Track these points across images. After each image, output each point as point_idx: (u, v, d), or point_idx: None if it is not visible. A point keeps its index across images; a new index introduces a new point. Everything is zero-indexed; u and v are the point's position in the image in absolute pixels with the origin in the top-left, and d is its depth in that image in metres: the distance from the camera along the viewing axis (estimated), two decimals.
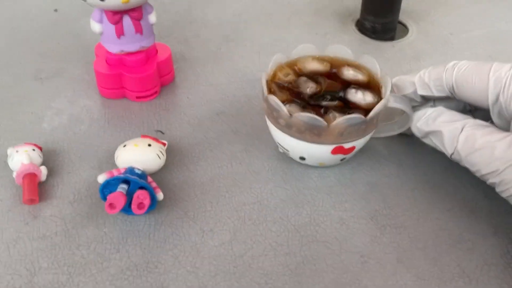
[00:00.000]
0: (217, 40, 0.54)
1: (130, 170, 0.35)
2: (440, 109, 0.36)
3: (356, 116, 0.34)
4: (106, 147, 0.41)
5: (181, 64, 0.50)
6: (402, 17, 0.57)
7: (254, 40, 0.54)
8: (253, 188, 0.38)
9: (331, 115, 0.35)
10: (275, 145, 0.40)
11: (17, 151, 0.37)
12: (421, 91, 0.37)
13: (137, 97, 0.45)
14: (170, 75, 0.47)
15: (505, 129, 0.34)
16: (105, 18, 0.41)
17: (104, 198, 0.34)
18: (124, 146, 0.37)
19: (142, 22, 0.42)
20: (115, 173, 0.35)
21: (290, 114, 0.35)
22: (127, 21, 0.42)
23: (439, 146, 0.35)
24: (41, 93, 0.46)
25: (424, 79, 0.37)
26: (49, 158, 0.40)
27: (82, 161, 0.40)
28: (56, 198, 0.37)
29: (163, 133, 0.42)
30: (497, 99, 0.33)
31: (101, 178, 0.35)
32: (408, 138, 0.41)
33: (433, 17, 0.58)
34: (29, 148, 0.38)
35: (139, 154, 0.36)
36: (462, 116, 0.35)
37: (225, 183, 0.38)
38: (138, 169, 0.36)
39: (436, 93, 0.36)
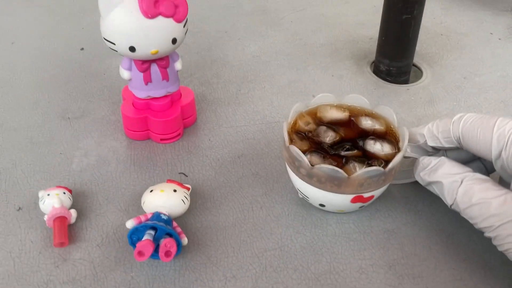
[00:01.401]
0: (237, 81, 0.56)
1: (157, 216, 0.37)
2: (442, 160, 0.37)
3: (375, 169, 0.35)
4: (132, 189, 0.42)
5: (203, 105, 0.52)
6: (416, 59, 0.59)
7: (273, 82, 0.56)
8: (273, 233, 0.39)
9: (351, 165, 0.37)
10: (294, 190, 0.42)
11: (48, 194, 0.39)
12: (431, 143, 0.39)
13: (162, 139, 0.47)
14: (193, 117, 0.49)
15: (509, 180, 0.36)
16: (134, 66, 0.43)
17: (132, 244, 0.36)
18: (151, 191, 0.39)
19: (168, 70, 0.44)
20: (143, 218, 0.37)
21: (312, 165, 0.36)
22: (154, 69, 0.44)
23: (441, 196, 0.37)
24: (69, 133, 0.48)
25: (433, 131, 0.38)
26: (78, 200, 0.41)
27: (109, 203, 0.41)
28: (85, 240, 0.38)
29: (186, 175, 0.44)
30: (499, 154, 0.34)
31: (129, 224, 0.36)
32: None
33: (446, 60, 0.60)
34: (60, 191, 0.39)
35: (165, 200, 0.38)
36: (462, 169, 0.36)
37: (247, 228, 0.39)
38: (164, 214, 0.37)
39: (445, 144, 0.38)
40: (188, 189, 0.40)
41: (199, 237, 0.39)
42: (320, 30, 0.66)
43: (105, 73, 0.57)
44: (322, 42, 0.63)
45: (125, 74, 0.44)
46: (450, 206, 0.36)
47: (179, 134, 0.48)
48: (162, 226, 0.35)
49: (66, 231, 0.38)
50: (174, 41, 0.41)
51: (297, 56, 0.61)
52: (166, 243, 0.34)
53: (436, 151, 0.40)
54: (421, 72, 0.58)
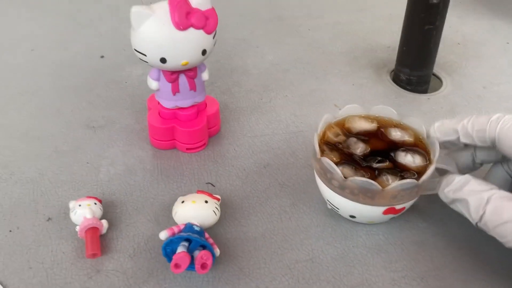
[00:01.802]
0: (257, 90, 0.56)
1: (189, 227, 0.37)
2: (466, 177, 0.37)
3: (410, 181, 0.35)
4: (161, 199, 0.43)
5: (226, 114, 0.52)
6: (436, 69, 0.59)
7: (293, 90, 0.56)
8: (304, 244, 0.39)
9: (384, 177, 0.37)
10: (322, 200, 0.42)
11: (79, 205, 0.39)
12: (464, 140, 0.39)
13: (187, 149, 0.47)
14: (217, 127, 0.50)
15: None
16: (162, 77, 0.44)
17: (166, 255, 0.36)
18: (182, 202, 0.39)
19: (196, 80, 0.45)
20: (176, 229, 0.37)
21: (345, 177, 0.36)
22: (182, 79, 0.44)
23: (465, 214, 0.36)
24: (94, 142, 0.49)
25: (467, 129, 0.38)
26: (108, 210, 0.41)
27: (139, 214, 0.41)
28: (117, 251, 0.38)
29: (213, 185, 0.44)
30: None
31: (163, 235, 0.36)
32: None
33: (464, 69, 0.60)
34: (91, 202, 0.39)
35: (197, 211, 0.38)
36: (488, 186, 0.35)
37: (277, 239, 0.40)
38: (197, 226, 0.37)
39: (478, 143, 0.38)
40: (218, 199, 0.40)
41: (230, 248, 0.39)
42: (337, 38, 0.66)
43: (126, 82, 0.57)
44: (340, 50, 0.64)
45: (153, 84, 0.44)
46: (476, 224, 0.35)
47: (204, 144, 0.48)
48: (196, 238, 0.35)
49: (99, 242, 0.38)
50: (204, 52, 0.42)
51: (316, 64, 0.61)
52: (202, 255, 0.34)
53: (465, 147, 0.40)
54: (441, 81, 0.59)
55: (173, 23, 0.39)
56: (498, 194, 0.34)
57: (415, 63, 0.56)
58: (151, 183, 0.44)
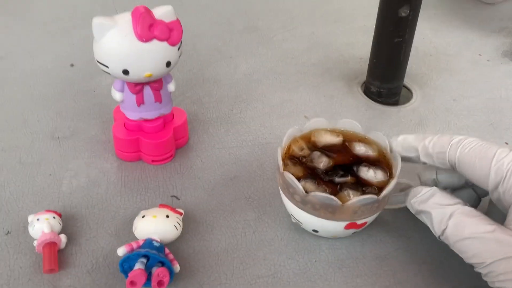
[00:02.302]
0: (229, 101, 0.56)
1: (149, 243, 0.36)
2: (433, 190, 0.37)
3: (370, 197, 0.35)
4: (123, 213, 0.42)
5: (195, 125, 0.52)
6: (407, 81, 0.59)
7: (265, 101, 0.56)
8: (266, 259, 0.39)
9: (345, 192, 0.37)
10: (287, 214, 0.42)
11: (38, 219, 0.38)
12: (424, 159, 0.38)
13: (153, 161, 0.46)
14: (185, 138, 0.49)
15: (504, 211, 0.35)
16: (126, 88, 0.43)
17: (123, 271, 0.35)
18: (143, 216, 0.38)
19: (161, 91, 0.44)
20: (134, 245, 0.36)
21: (306, 192, 0.36)
22: (147, 91, 0.43)
23: (429, 226, 0.36)
24: (59, 153, 0.48)
25: (428, 149, 0.38)
26: (68, 223, 0.41)
27: (99, 228, 0.41)
28: (75, 267, 0.38)
29: (178, 198, 0.44)
30: (496, 187, 0.34)
31: (121, 252, 0.36)
32: None
33: (436, 82, 0.61)
34: (49, 215, 0.39)
35: (157, 226, 0.38)
36: (453, 200, 0.35)
37: (239, 254, 0.39)
38: (156, 241, 0.37)
39: (438, 165, 0.38)
40: (181, 214, 0.40)
41: (191, 264, 0.38)
42: (311, 49, 0.66)
43: (95, 91, 0.56)
44: (313, 61, 0.64)
45: (117, 95, 0.44)
46: (439, 237, 0.35)
47: (171, 156, 0.47)
48: (154, 255, 0.35)
49: (56, 257, 0.37)
50: (168, 64, 0.41)
51: (288, 75, 0.61)
52: (159, 272, 0.33)
53: (427, 165, 0.40)
54: (411, 93, 0.59)
55: (135, 34, 0.39)
56: (462, 210, 0.34)
57: (385, 76, 0.56)
58: (113, 196, 0.44)
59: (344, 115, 0.55)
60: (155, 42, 0.40)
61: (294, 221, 0.41)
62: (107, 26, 0.39)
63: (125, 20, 0.39)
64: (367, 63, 0.58)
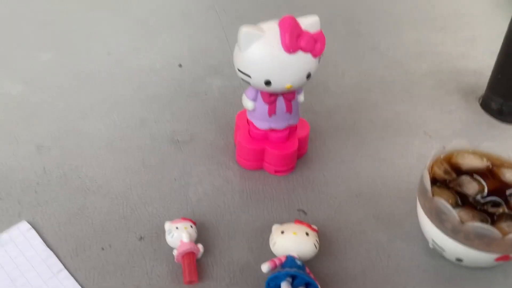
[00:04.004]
0: (340, 110, 0.54)
1: (291, 261, 0.35)
2: None
3: None
4: (252, 225, 0.41)
5: (311, 135, 0.51)
6: None
7: (378, 113, 0.54)
8: (406, 285, 0.37)
9: (504, 224, 0.35)
10: (421, 238, 0.40)
11: (177, 228, 0.38)
12: None
13: (276, 171, 0.46)
14: (305, 149, 0.48)
15: None
16: (259, 97, 0.42)
17: None
18: (282, 232, 0.37)
19: (293, 102, 0.43)
20: (277, 262, 0.35)
21: (462, 221, 0.34)
22: (280, 101, 0.42)
23: None
24: (180, 157, 0.47)
25: None
26: (200, 233, 0.40)
27: (231, 239, 0.40)
28: (213, 279, 0.37)
29: (305, 213, 0.43)
30: None
31: (265, 268, 0.35)
32: None
33: None
34: (187, 224, 0.38)
35: (298, 243, 0.37)
36: None
37: (377, 279, 0.38)
38: (298, 260, 0.36)
39: None
40: (316, 231, 0.39)
41: (329, 284, 0.37)
42: (419, 58, 0.63)
43: (206, 93, 0.56)
44: (424, 71, 0.61)
45: (249, 104, 0.43)
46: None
47: (293, 167, 0.46)
48: (302, 275, 0.34)
49: (196, 268, 0.37)
50: (308, 76, 0.40)
51: (399, 85, 0.59)
52: None
53: None
54: None
55: (282, 45, 0.38)
56: None
57: (508, 92, 0.53)
58: (241, 206, 0.43)
59: (466, 132, 0.52)
60: (299, 54, 0.38)
61: (432, 247, 0.39)
62: (255, 36, 0.38)
63: (271, 30, 0.38)
64: (483, 76, 0.55)
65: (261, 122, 0.44)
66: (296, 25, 0.38)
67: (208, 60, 0.61)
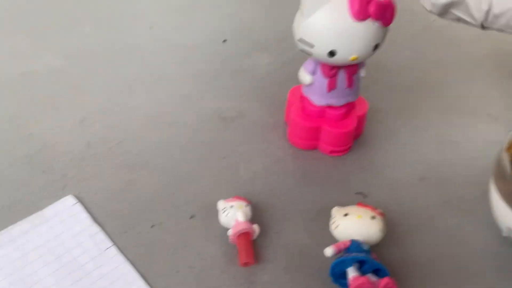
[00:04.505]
0: (398, 90, 0.51)
1: (356, 246, 0.33)
2: None
3: None
4: (309, 207, 0.39)
5: (369, 115, 0.47)
6: None
7: (439, 94, 0.51)
8: (481, 277, 0.34)
9: None
10: (492, 226, 0.37)
11: (231, 206, 0.36)
12: None
13: (332, 151, 0.43)
14: (361, 129, 0.45)
15: None
16: (319, 71, 0.39)
17: (332, 275, 0.32)
18: (345, 215, 0.35)
19: (354, 77, 0.40)
20: (342, 246, 0.33)
21: None
22: (341, 75, 0.39)
23: (464, 17, 0.31)
24: (228, 134, 0.45)
25: None
26: (255, 213, 0.37)
27: (286, 220, 0.38)
28: (269, 261, 0.35)
29: (365, 196, 0.40)
30: None
31: (329, 252, 0.32)
32: None
33: None
34: (242, 203, 0.36)
35: (362, 227, 0.34)
36: None
37: (448, 268, 0.35)
38: (364, 245, 0.33)
39: None
40: (383, 216, 0.36)
41: (395, 272, 0.34)
42: (479, 39, 0.59)
43: (253, 70, 0.53)
44: (485, 52, 0.57)
45: (307, 78, 0.40)
46: (481, 24, 0.30)
47: (349, 147, 0.43)
48: (372, 260, 0.31)
49: (252, 249, 0.34)
50: (376, 47, 0.37)
51: (460, 66, 0.55)
52: (385, 284, 0.30)
53: None
54: None
55: (351, 12, 0.35)
56: None
57: None
58: (294, 187, 0.40)
59: None
60: (368, 22, 0.35)
61: (505, 235, 0.36)
62: (321, 1, 0.35)
63: None
64: None
65: (319, 97, 0.41)
66: None
67: (254, 36, 0.58)
